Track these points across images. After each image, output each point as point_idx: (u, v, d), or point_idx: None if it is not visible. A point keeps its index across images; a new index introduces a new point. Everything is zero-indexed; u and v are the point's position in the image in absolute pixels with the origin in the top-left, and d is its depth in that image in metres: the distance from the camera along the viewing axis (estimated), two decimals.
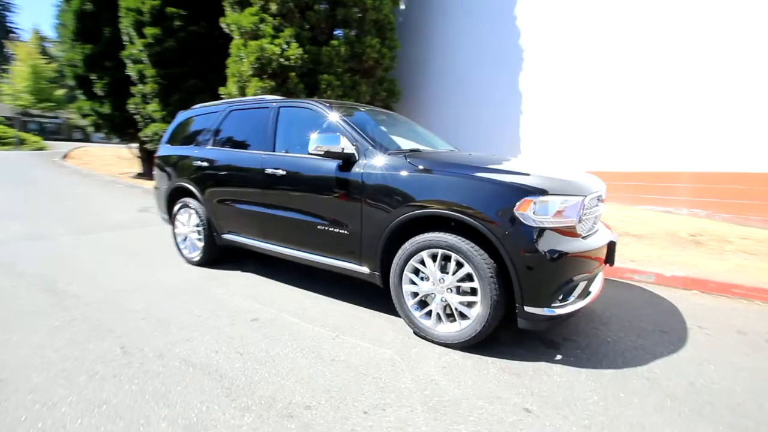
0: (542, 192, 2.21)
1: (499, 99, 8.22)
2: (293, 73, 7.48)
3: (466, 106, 8.70)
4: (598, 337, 2.67)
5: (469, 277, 2.36)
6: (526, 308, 2.23)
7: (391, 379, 2.14)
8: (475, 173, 2.41)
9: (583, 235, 2.40)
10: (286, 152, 3.29)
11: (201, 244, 4.01)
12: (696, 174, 5.83)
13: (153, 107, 9.65)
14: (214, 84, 9.74)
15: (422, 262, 2.52)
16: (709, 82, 5.77)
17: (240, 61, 7.77)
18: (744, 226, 5.24)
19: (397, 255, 2.60)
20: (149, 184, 10.48)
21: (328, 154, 2.79)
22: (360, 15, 7.89)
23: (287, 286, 3.58)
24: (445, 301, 2.47)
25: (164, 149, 4.56)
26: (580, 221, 2.34)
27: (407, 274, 2.58)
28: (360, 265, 2.84)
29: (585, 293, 2.41)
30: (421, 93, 9.52)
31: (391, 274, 2.66)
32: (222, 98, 8.43)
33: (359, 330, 2.72)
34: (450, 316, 2.49)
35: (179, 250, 4.29)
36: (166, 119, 9.53)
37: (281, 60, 7.36)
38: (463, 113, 8.65)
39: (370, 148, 2.81)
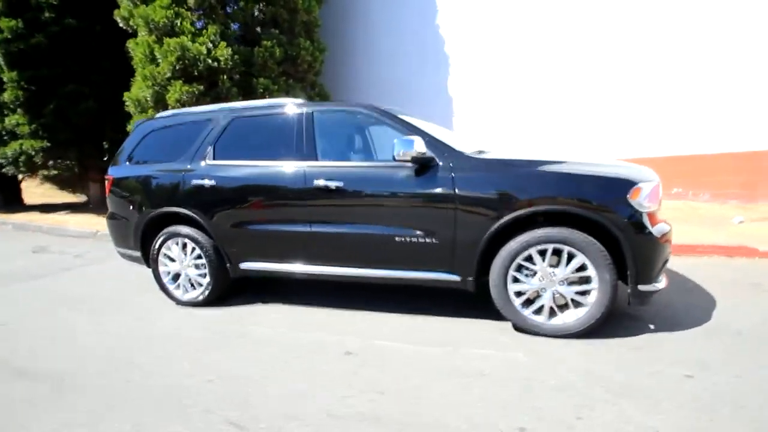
0: (642, 180, 2.44)
1: (430, 104, 8.62)
2: (224, 76, 6.69)
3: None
4: (659, 303, 3.02)
5: (580, 267, 2.47)
6: (640, 287, 2.43)
7: (556, 379, 2.10)
8: (575, 169, 2.53)
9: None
10: (336, 161, 2.95)
11: (206, 280, 3.32)
12: None
13: (16, 119, 7.54)
14: (98, 88, 8.10)
15: (528, 260, 2.54)
16: (595, 83, 7.13)
17: (153, 61, 6.62)
18: None
19: (500, 256, 2.56)
20: (18, 218, 8.17)
21: (414, 160, 2.61)
22: (289, 15, 7.44)
23: (330, 309, 3.21)
24: (557, 293, 2.53)
25: (123, 170, 3.66)
26: (659, 204, 2.64)
27: (512, 273, 2.57)
28: (451, 274, 2.71)
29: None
30: (349, 97, 9.41)
31: (492, 276, 2.60)
32: (126, 104, 7.07)
33: (465, 339, 2.60)
34: (561, 308, 2.56)
35: (166, 291, 3.47)
36: (39, 134, 7.56)
37: (209, 61, 6.51)
38: None
39: (449, 151, 2.71)
